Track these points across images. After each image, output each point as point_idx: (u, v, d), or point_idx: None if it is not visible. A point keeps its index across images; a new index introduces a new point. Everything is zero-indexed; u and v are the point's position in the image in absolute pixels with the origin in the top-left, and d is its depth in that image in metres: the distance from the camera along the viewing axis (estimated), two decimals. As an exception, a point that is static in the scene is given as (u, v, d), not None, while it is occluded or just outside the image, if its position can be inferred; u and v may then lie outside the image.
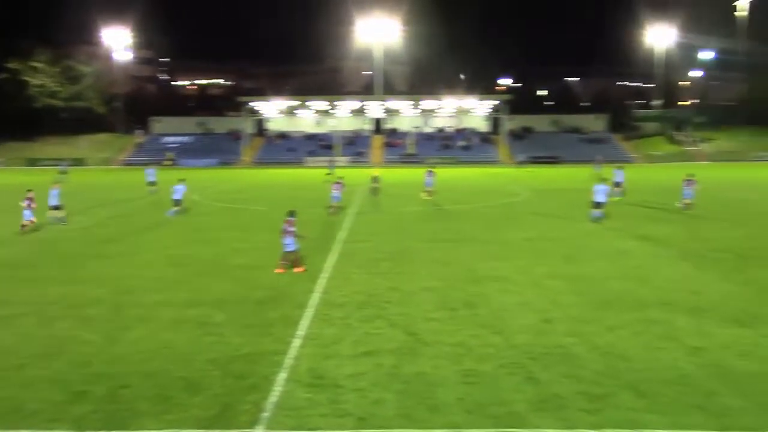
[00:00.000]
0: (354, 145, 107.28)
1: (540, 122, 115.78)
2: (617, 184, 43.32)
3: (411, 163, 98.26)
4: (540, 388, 11.78)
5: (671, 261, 22.56)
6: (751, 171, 74.77)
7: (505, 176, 69.62)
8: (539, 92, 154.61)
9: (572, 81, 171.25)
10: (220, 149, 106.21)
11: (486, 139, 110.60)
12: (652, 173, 72.23)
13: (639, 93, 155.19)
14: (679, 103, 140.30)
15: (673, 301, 17.32)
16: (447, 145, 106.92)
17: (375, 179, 49.41)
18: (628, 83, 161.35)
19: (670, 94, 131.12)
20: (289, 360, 13.20)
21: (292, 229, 20.94)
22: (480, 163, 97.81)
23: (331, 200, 37.05)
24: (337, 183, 38.30)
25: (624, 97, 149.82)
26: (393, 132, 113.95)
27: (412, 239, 27.25)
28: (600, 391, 11.58)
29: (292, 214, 21.35)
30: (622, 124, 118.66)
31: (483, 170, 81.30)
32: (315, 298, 17.86)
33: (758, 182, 58.16)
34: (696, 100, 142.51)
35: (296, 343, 14.21)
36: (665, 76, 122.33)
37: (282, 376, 12.40)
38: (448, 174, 56.94)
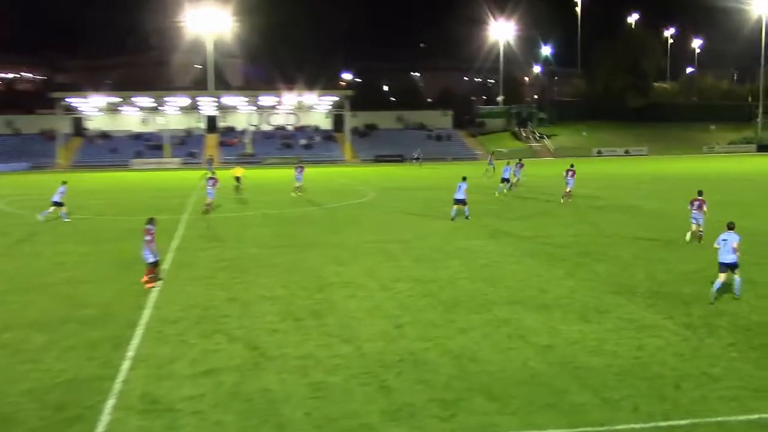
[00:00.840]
0: (186, 144, 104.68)
1: (384, 119, 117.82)
2: (504, 180, 46.16)
3: (249, 164, 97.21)
4: (392, 397, 11.97)
5: (520, 258, 23.67)
6: (594, 166, 79.75)
7: (350, 176, 70.32)
8: (383, 87, 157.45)
9: (416, 76, 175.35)
10: (31, 151, 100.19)
11: (329, 137, 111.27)
12: (499, 169, 75.44)
13: (483, 89, 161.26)
14: (530, 99, 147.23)
15: (522, 299, 18.17)
16: (288, 144, 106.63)
17: (237, 179, 49.93)
18: (472, 79, 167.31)
19: (514, 89, 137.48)
20: (118, 385, 12.65)
21: (150, 237, 19.95)
22: (324, 163, 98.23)
23: (206, 197, 37.88)
24: (212, 179, 38.51)
25: (468, 92, 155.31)
26: (229, 130, 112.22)
27: (253, 245, 26.94)
28: (453, 397, 11.92)
29: (151, 221, 20.20)
30: (467, 120, 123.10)
31: (327, 170, 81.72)
32: (146, 314, 17.24)
33: (601, 177, 62.16)
34: (537, 96, 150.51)
35: (126, 365, 13.65)
36: (508, 72, 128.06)
37: (110, 403, 11.86)
38: (291, 174, 56.78)
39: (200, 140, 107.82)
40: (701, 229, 26.19)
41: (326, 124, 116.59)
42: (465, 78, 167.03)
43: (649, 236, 27.94)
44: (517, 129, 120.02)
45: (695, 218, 26.17)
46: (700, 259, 22.71)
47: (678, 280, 19.98)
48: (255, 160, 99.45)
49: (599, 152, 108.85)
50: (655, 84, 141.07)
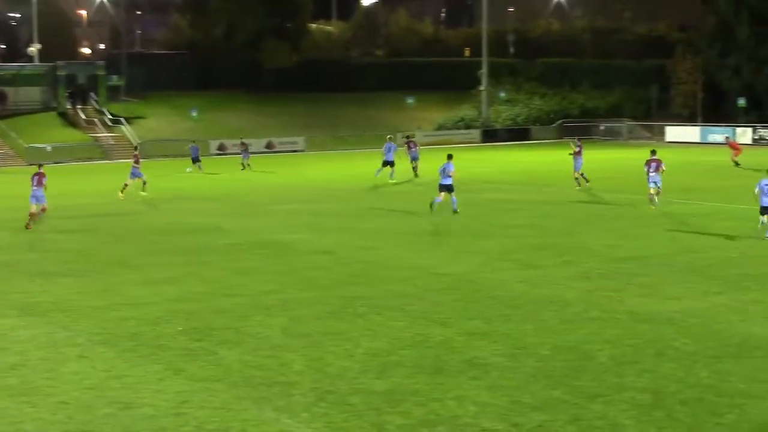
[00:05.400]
0: None
1: None
2: (389, 163, 41.62)
3: None
4: None
5: (86, 348, 14.11)
6: (209, 175, 50.36)
7: None
8: None
9: None
10: None
11: None
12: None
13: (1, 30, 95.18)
14: (92, 52, 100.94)
15: (91, 429, 10.24)
16: None
17: None
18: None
19: (60, 33, 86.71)
20: None
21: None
22: None
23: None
24: None
25: None
26: None
27: None
28: None
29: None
30: None
31: None
32: None
33: (216, 189, 43.62)
34: (105, 47, 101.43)
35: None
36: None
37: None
38: None
39: None
40: (659, 190, 27.46)
41: None
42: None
43: (310, 291, 18.24)
44: (70, 106, 75.05)
45: (653, 180, 27.09)
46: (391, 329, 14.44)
47: (364, 365, 12.60)
48: None
49: (221, 148, 69.93)
50: (314, 26, 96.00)
